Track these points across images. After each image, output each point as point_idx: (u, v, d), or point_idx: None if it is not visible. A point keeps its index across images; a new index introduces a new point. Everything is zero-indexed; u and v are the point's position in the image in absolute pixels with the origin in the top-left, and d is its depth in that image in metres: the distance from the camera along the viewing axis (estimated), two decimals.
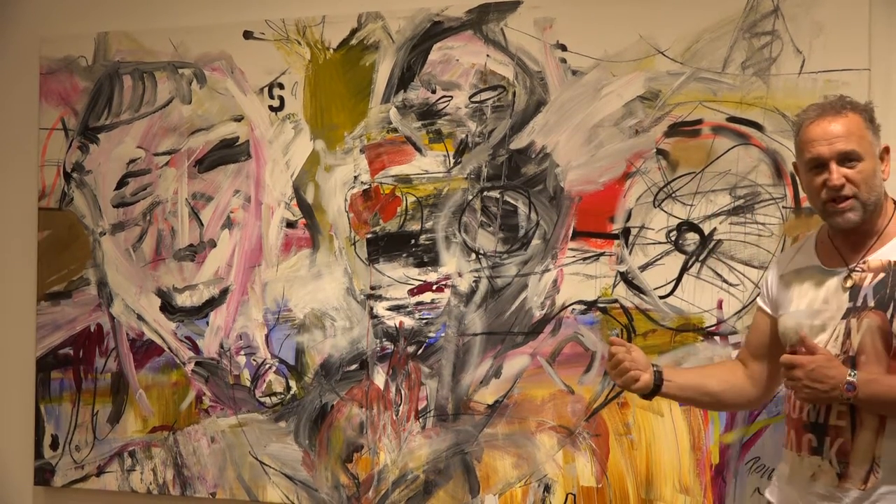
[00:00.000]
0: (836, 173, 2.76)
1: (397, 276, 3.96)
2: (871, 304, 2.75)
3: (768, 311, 3.06)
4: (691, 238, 3.61)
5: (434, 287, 3.91)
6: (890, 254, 2.80)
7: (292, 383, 4.09)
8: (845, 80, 3.43)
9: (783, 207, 3.51)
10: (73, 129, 4.43)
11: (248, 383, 4.15)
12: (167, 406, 4.27)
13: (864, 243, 2.83)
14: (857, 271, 2.80)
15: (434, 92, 3.93)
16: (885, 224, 2.83)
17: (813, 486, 2.80)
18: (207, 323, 4.22)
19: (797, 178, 3.01)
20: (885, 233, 2.83)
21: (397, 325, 3.95)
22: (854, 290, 2.78)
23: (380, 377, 3.97)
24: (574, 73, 3.75)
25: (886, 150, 2.86)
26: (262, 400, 4.13)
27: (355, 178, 4.02)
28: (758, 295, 3.24)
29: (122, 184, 4.35)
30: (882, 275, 2.77)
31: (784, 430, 2.97)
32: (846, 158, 2.77)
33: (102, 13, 4.43)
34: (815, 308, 2.83)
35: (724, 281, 3.57)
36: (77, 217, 4.42)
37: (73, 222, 4.42)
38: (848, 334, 2.76)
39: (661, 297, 3.64)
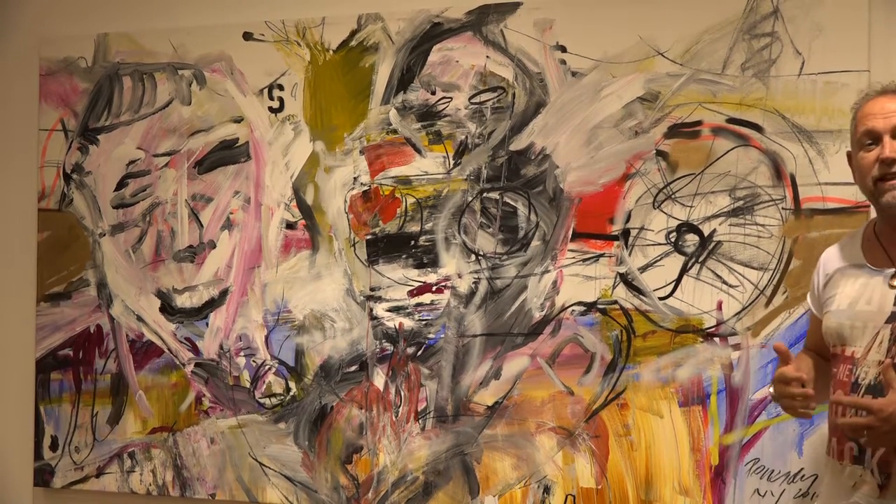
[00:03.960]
0: (890, 146, 2.69)
1: (397, 277, 3.96)
2: None
3: (815, 310, 2.99)
4: (691, 239, 3.61)
5: (434, 288, 3.91)
6: None
7: (292, 384, 4.09)
8: (845, 81, 3.43)
9: (783, 209, 3.51)
10: (72, 130, 4.43)
11: (247, 384, 4.15)
12: (167, 407, 4.27)
13: None
14: None
15: (434, 93, 3.93)
16: None
17: (854, 496, 2.71)
18: (207, 324, 4.22)
19: (850, 167, 2.90)
20: None
21: (397, 327, 3.95)
22: None
23: (379, 378, 3.97)
24: (574, 74, 3.75)
25: None
26: (262, 401, 4.13)
27: (355, 179, 4.02)
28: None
29: (121, 185, 4.35)
30: None
31: (829, 438, 2.86)
32: None
33: (102, 14, 4.43)
34: (858, 309, 2.74)
35: (724, 282, 3.57)
36: (77, 218, 4.42)
37: (73, 223, 4.42)
38: (894, 339, 2.66)
39: (661, 299, 3.64)
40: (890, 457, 2.65)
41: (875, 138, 2.73)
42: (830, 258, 2.95)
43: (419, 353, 3.92)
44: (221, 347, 4.19)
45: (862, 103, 2.81)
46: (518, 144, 3.81)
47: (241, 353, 4.16)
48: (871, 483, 2.69)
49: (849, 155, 2.90)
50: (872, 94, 2.80)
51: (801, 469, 3.46)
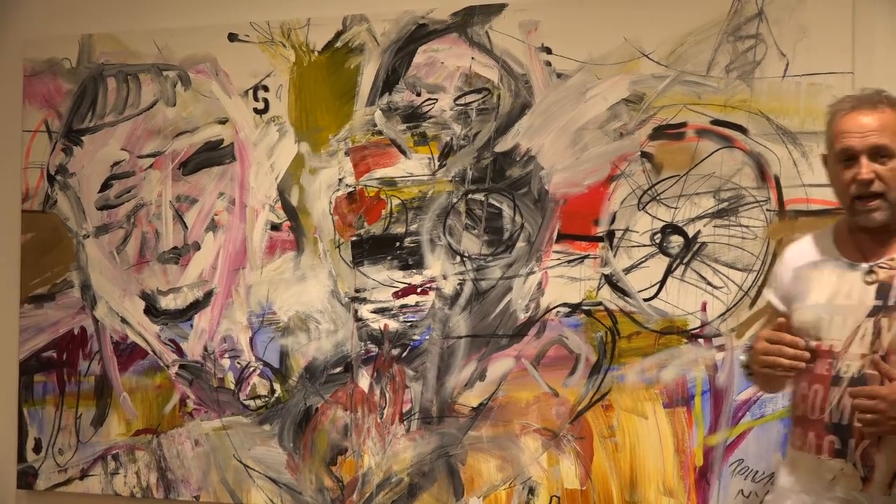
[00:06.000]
0: (867, 167, 2.70)
1: (382, 278, 3.95)
2: None
3: (780, 306, 2.96)
4: (675, 241, 3.61)
5: (419, 290, 3.91)
6: None
7: (276, 386, 4.08)
8: (829, 83, 3.44)
9: (767, 210, 3.51)
10: (56, 131, 4.41)
11: (232, 386, 4.14)
12: (151, 409, 4.26)
13: (888, 241, 2.76)
14: (884, 268, 2.73)
15: (419, 94, 3.93)
16: None
17: (833, 491, 2.71)
18: (191, 326, 4.21)
19: (825, 170, 2.92)
20: None
21: (382, 328, 3.95)
22: (883, 288, 2.71)
23: (364, 380, 3.96)
24: (559, 75, 3.76)
25: None
26: (247, 403, 4.12)
27: (340, 180, 4.01)
28: (758, 294, 3.18)
29: (106, 186, 4.34)
30: None
31: (797, 433, 2.85)
32: (878, 153, 2.71)
33: (86, 15, 4.42)
34: (837, 303, 2.75)
35: (709, 283, 3.57)
36: (61, 219, 4.40)
37: (57, 225, 4.41)
38: (878, 333, 2.68)
39: (646, 300, 3.64)
40: (872, 449, 2.66)
41: (852, 157, 2.74)
42: (798, 253, 2.95)
43: (404, 354, 3.92)
44: (206, 349, 4.18)
45: (838, 114, 2.80)
46: (503, 146, 3.81)
47: (226, 355, 4.15)
48: (852, 476, 2.69)
49: (824, 158, 2.91)
50: (847, 106, 2.79)
51: None
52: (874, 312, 2.70)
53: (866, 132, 2.72)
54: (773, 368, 2.71)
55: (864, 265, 2.75)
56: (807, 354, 2.70)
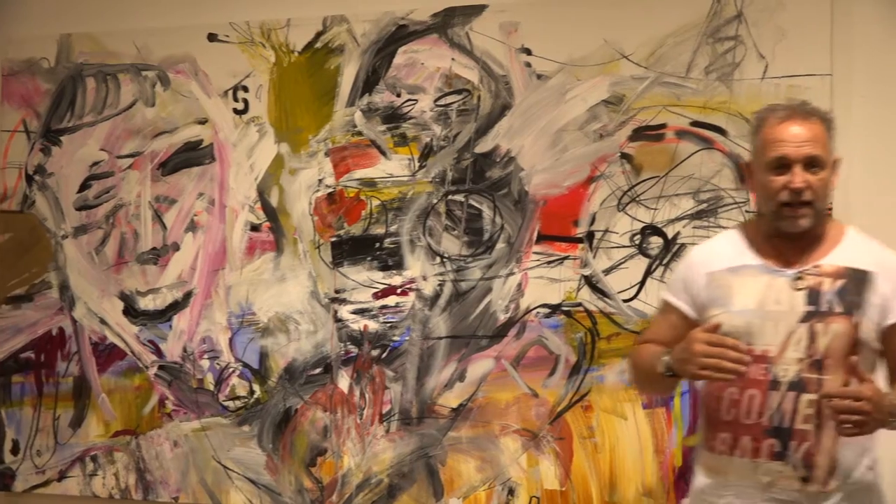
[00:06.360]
0: (801, 176, 2.74)
1: (362, 279, 3.95)
2: (838, 309, 2.73)
3: (686, 310, 2.93)
4: (655, 242, 3.62)
5: (398, 291, 3.91)
6: (840, 259, 2.79)
7: (256, 387, 4.08)
8: (807, 84, 3.45)
9: (746, 211, 3.53)
10: (35, 131, 4.39)
11: (211, 387, 4.13)
12: (130, 410, 4.24)
13: (810, 247, 2.81)
14: (811, 275, 2.77)
15: (399, 95, 3.93)
16: (826, 229, 2.82)
17: (769, 492, 2.75)
18: (171, 326, 4.20)
19: (746, 175, 2.94)
20: (827, 237, 2.82)
21: (362, 329, 3.94)
22: (813, 294, 2.75)
23: (344, 381, 3.96)
24: (539, 77, 3.76)
25: (837, 161, 2.85)
26: (226, 404, 4.11)
27: (320, 181, 4.01)
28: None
29: (84, 186, 4.32)
30: (842, 280, 2.76)
31: (722, 437, 2.82)
32: (811, 164, 2.75)
33: (65, 15, 4.41)
34: (768, 308, 2.77)
35: None
36: (39, 220, 4.38)
37: (35, 225, 4.39)
38: (813, 338, 2.73)
39: (625, 301, 3.65)
40: (814, 450, 2.70)
41: (785, 165, 2.77)
42: (708, 257, 2.93)
43: (384, 355, 3.91)
44: (185, 350, 4.17)
45: (770, 122, 2.81)
46: (483, 147, 3.82)
47: (205, 356, 4.14)
48: (792, 477, 2.72)
49: (747, 166, 2.91)
50: (780, 115, 2.81)
51: None
52: (807, 318, 2.74)
53: (801, 142, 2.75)
54: (713, 371, 2.70)
55: (790, 271, 2.79)
56: (748, 358, 2.72)
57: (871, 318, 2.75)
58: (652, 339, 2.99)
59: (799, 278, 2.77)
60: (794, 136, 2.76)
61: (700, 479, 2.90)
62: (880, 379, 2.79)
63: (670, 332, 2.94)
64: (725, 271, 2.86)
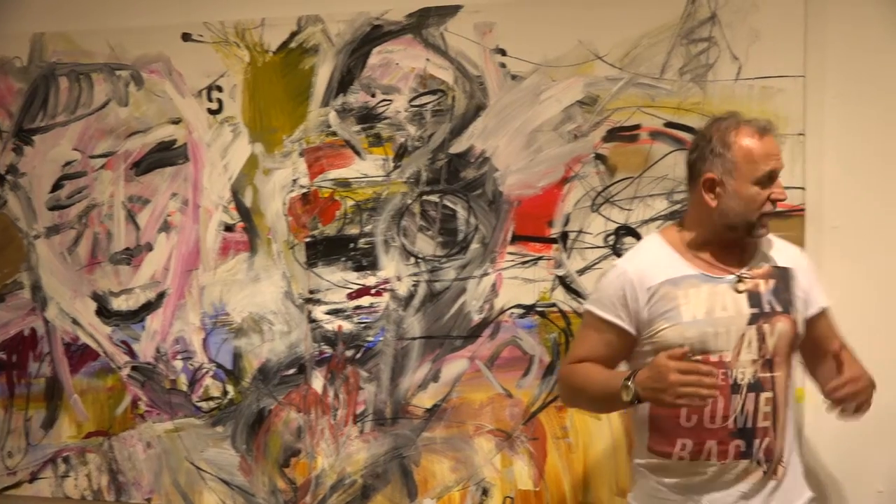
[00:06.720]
0: (781, 187, 2.89)
1: (336, 280, 3.94)
2: (779, 308, 2.88)
3: (625, 327, 2.95)
4: (629, 242, 3.63)
5: (373, 291, 3.90)
6: (765, 260, 2.94)
7: (229, 388, 4.06)
8: (781, 86, 3.47)
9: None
10: (7, 130, 4.37)
11: (184, 388, 4.12)
12: (102, 411, 4.22)
13: (741, 252, 2.93)
14: (747, 278, 2.89)
15: (374, 96, 3.92)
16: None
17: (737, 487, 2.86)
18: (144, 327, 4.18)
19: (706, 188, 2.89)
20: (748, 242, 2.95)
21: (336, 330, 3.94)
22: (754, 297, 2.87)
23: (318, 381, 3.95)
24: (513, 77, 3.76)
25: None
26: (199, 405, 4.10)
27: (294, 181, 4.00)
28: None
29: (57, 186, 4.30)
30: (773, 280, 2.90)
31: (683, 444, 2.89)
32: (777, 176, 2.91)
33: (38, 13, 4.38)
34: (716, 316, 2.85)
35: None
36: (11, 220, 4.36)
37: (7, 225, 4.36)
38: (762, 339, 2.85)
39: None
40: (773, 444, 2.85)
41: (769, 179, 2.87)
42: (645, 271, 2.94)
43: (358, 355, 3.91)
44: (158, 351, 4.16)
45: (746, 135, 2.86)
46: (458, 147, 3.82)
47: (179, 357, 4.13)
48: (756, 472, 2.86)
49: (714, 180, 2.89)
50: (754, 128, 2.88)
51: None
52: (753, 320, 2.86)
53: (779, 155, 2.89)
54: (690, 399, 2.70)
55: (730, 276, 2.89)
56: (720, 382, 2.76)
57: (800, 311, 2.93)
58: (585, 357, 3.00)
59: (740, 282, 2.89)
60: (776, 149, 2.89)
61: (649, 481, 3.01)
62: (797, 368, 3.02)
63: (606, 349, 2.99)
64: (666, 284, 2.91)
